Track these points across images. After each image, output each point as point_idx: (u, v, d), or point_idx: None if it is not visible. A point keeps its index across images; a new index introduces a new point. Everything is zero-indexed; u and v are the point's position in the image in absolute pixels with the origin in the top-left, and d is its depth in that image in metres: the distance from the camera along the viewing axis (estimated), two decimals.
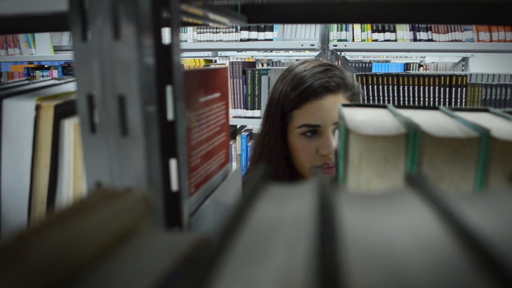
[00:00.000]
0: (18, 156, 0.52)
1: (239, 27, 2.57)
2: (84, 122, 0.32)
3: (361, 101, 0.96)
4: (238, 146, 2.40)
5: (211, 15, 0.47)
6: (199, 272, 0.11)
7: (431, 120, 0.43)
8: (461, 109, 0.49)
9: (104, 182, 0.32)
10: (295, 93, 0.85)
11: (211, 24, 0.54)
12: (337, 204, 0.15)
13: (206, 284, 0.11)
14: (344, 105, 0.49)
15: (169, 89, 0.34)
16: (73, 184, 0.52)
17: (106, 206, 0.17)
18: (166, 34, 0.33)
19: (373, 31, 2.33)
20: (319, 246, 0.11)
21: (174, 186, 0.35)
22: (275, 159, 0.89)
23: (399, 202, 0.16)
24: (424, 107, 0.50)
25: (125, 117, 0.30)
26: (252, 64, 2.43)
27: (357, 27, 2.36)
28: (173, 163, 0.35)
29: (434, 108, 0.49)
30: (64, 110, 0.51)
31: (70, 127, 0.50)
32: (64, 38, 3.24)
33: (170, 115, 0.34)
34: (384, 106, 0.50)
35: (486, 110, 0.49)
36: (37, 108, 0.50)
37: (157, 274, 0.14)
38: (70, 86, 0.62)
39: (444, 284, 0.10)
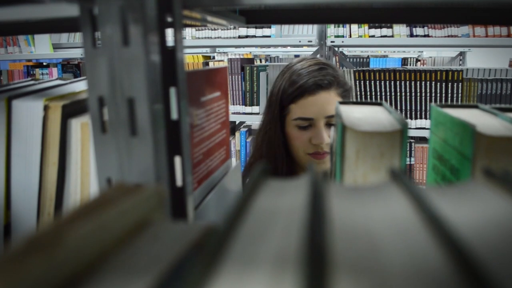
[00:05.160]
0: (27, 154, 0.54)
1: None
2: (95, 123, 0.34)
3: (353, 97, 1.04)
4: (237, 142, 2.42)
5: (211, 18, 0.49)
6: (210, 252, 0.14)
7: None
8: (451, 106, 0.51)
9: (115, 179, 0.35)
10: (291, 89, 0.95)
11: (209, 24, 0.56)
12: (327, 195, 0.18)
13: (216, 261, 0.13)
14: (341, 103, 0.51)
15: (172, 90, 0.36)
16: (80, 181, 0.54)
17: (125, 199, 0.19)
18: (169, 34, 0.35)
19: (370, 27, 2.35)
20: (309, 229, 0.13)
21: (179, 181, 0.38)
22: (275, 146, 1.00)
23: (381, 194, 0.18)
24: None
25: (134, 118, 0.33)
26: (250, 60, 2.45)
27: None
28: (177, 160, 0.37)
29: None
30: (71, 109, 0.53)
31: (77, 126, 0.52)
32: (63, 36, 3.25)
33: (174, 115, 0.36)
34: (379, 103, 0.52)
35: (476, 106, 0.52)
36: (45, 108, 0.52)
37: (172, 257, 0.17)
38: (75, 86, 0.65)
39: (410, 261, 0.13)
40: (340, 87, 0.97)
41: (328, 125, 0.95)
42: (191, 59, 3.30)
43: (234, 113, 2.27)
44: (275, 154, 1.00)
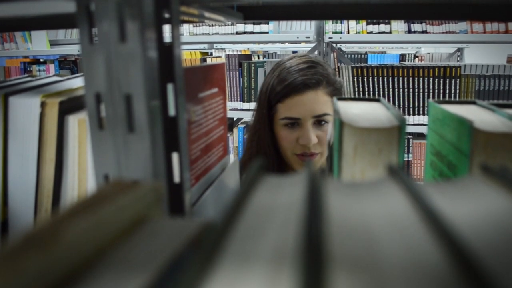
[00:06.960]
0: (24, 151, 0.54)
1: None
2: (92, 120, 0.34)
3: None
4: (235, 139, 2.42)
5: (208, 14, 0.49)
6: (207, 248, 0.14)
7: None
8: (449, 102, 0.51)
9: (112, 175, 0.35)
10: (279, 88, 0.94)
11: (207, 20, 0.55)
12: (325, 191, 0.18)
13: (214, 257, 0.13)
14: (339, 99, 0.51)
15: (170, 87, 0.36)
16: (77, 177, 0.54)
17: (122, 196, 0.19)
18: (166, 31, 0.35)
19: (368, 23, 2.36)
20: (307, 225, 0.13)
21: (176, 178, 0.38)
22: (264, 145, 1.00)
23: (379, 190, 0.18)
24: None
25: (132, 114, 0.33)
26: (248, 56, 2.45)
27: None
28: (175, 156, 0.37)
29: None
30: (68, 106, 0.53)
31: (74, 122, 0.52)
32: (60, 32, 3.23)
33: (172, 111, 0.36)
34: (377, 100, 0.52)
35: (473, 103, 0.52)
36: (42, 104, 0.52)
37: (169, 254, 0.17)
38: (72, 83, 0.64)
39: (408, 256, 0.13)
40: (330, 86, 0.95)
41: (317, 124, 0.94)
42: (188, 55, 3.29)
43: (232, 110, 2.27)
44: (265, 153, 0.99)
